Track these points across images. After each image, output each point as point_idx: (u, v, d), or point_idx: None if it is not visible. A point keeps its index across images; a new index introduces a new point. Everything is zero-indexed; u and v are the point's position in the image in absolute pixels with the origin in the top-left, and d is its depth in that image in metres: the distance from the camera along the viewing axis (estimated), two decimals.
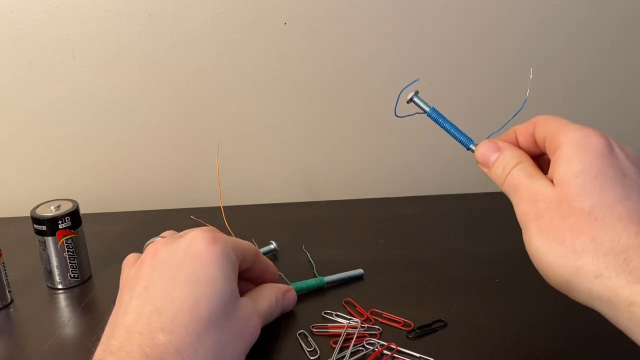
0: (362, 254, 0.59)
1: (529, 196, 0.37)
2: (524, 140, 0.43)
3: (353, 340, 0.44)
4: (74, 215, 0.54)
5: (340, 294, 0.51)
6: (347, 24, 0.70)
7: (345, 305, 0.50)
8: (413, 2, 0.69)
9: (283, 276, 0.53)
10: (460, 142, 0.46)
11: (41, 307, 0.53)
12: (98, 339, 0.39)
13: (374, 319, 0.48)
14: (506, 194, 0.40)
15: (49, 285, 0.56)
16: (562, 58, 0.74)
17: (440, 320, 0.47)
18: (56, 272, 0.55)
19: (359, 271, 0.55)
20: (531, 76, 0.50)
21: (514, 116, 0.46)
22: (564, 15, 0.72)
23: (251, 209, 0.72)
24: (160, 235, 0.46)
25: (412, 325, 0.47)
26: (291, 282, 0.53)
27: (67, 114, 0.72)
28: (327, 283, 0.54)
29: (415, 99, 0.47)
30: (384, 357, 0.43)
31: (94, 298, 0.54)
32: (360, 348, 0.44)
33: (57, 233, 0.53)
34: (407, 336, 0.46)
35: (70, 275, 0.55)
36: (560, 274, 0.35)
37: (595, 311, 0.48)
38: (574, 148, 0.37)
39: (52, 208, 0.54)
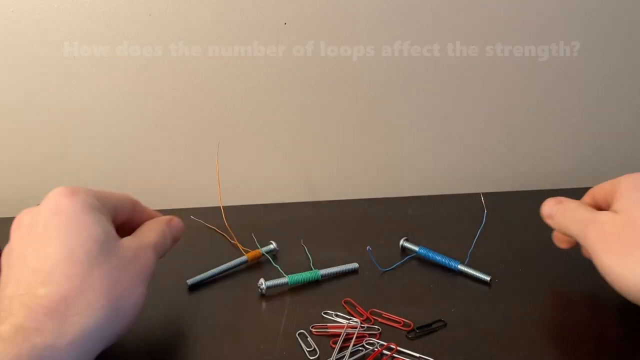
0: (362, 254, 0.59)
1: (593, 225, 0.44)
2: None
3: (353, 340, 0.44)
4: None
5: (340, 294, 0.51)
6: (347, 24, 0.70)
7: (345, 305, 0.50)
8: (414, 1, 0.69)
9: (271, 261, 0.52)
10: (450, 266, 0.55)
11: None
12: None
13: (374, 319, 0.48)
14: (572, 234, 0.47)
15: None
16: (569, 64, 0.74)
17: (440, 320, 0.47)
18: None
19: (354, 265, 0.56)
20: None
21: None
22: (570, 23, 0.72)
23: (251, 209, 0.72)
24: None
25: (412, 325, 0.47)
26: (287, 275, 0.53)
27: (66, 114, 0.72)
28: (322, 276, 0.54)
29: (405, 245, 0.59)
30: (384, 357, 0.43)
31: None
32: (360, 348, 0.44)
33: None
34: (407, 336, 0.46)
35: None
36: (633, 283, 0.40)
37: (594, 312, 0.48)
38: (631, 185, 0.44)
39: None
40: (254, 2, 0.68)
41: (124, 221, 0.46)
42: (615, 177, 0.78)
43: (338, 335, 0.45)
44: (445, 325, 0.47)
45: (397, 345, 0.44)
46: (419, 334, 0.46)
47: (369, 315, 0.48)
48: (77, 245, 0.38)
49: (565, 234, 0.49)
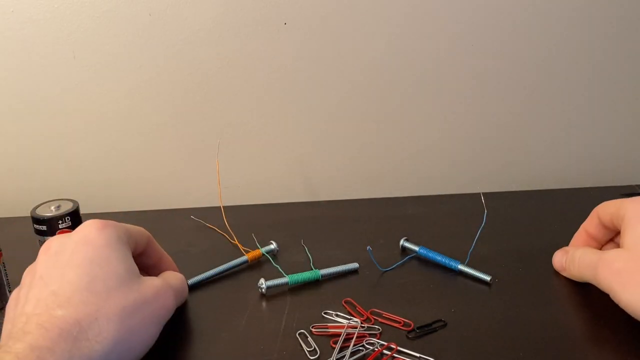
0: (362, 254, 0.59)
1: (603, 264, 0.45)
2: (594, 230, 0.52)
3: (353, 340, 0.44)
4: (74, 215, 0.54)
5: (340, 294, 0.51)
6: (347, 24, 0.70)
7: (345, 305, 0.50)
8: (416, 1, 0.69)
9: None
10: (450, 266, 0.55)
11: None
12: None
13: (374, 318, 0.48)
14: (586, 279, 0.49)
15: None
16: (565, 58, 0.74)
17: (440, 320, 0.47)
18: None
19: (355, 265, 0.56)
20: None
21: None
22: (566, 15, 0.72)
23: (251, 209, 0.72)
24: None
25: (412, 325, 0.47)
26: (287, 275, 0.53)
27: (66, 114, 0.72)
28: (323, 276, 0.54)
29: (406, 245, 0.60)
30: (384, 357, 0.43)
31: None
32: (360, 348, 0.44)
33: (57, 233, 0.53)
34: (407, 336, 0.46)
35: None
36: None
37: (593, 311, 0.48)
38: (636, 217, 0.45)
39: (52, 208, 0.54)
40: (254, 2, 0.68)
41: (139, 254, 0.47)
42: (614, 177, 0.79)
43: (338, 335, 0.45)
44: (445, 325, 0.47)
45: (397, 345, 0.44)
46: (419, 334, 0.46)
47: (369, 315, 0.48)
48: (98, 276, 0.39)
49: (580, 280, 0.50)
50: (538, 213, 0.67)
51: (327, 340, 0.45)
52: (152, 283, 0.43)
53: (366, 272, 0.56)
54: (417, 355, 0.43)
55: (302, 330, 0.46)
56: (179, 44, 0.69)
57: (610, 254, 0.45)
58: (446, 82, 0.74)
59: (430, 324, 0.47)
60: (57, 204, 0.55)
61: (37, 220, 0.53)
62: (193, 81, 0.71)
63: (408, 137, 0.77)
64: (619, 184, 0.76)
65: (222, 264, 0.56)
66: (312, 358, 0.43)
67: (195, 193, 0.77)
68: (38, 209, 0.54)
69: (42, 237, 0.54)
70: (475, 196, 0.65)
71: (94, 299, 0.38)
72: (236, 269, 0.57)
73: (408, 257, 0.58)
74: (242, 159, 0.76)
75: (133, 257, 0.45)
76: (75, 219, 0.54)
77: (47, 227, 0.53)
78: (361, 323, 0.47)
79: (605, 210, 0.49)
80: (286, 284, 0.53)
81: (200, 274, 0.55)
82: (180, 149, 0.75)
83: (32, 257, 0.58)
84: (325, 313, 0.49)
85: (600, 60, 0.74)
